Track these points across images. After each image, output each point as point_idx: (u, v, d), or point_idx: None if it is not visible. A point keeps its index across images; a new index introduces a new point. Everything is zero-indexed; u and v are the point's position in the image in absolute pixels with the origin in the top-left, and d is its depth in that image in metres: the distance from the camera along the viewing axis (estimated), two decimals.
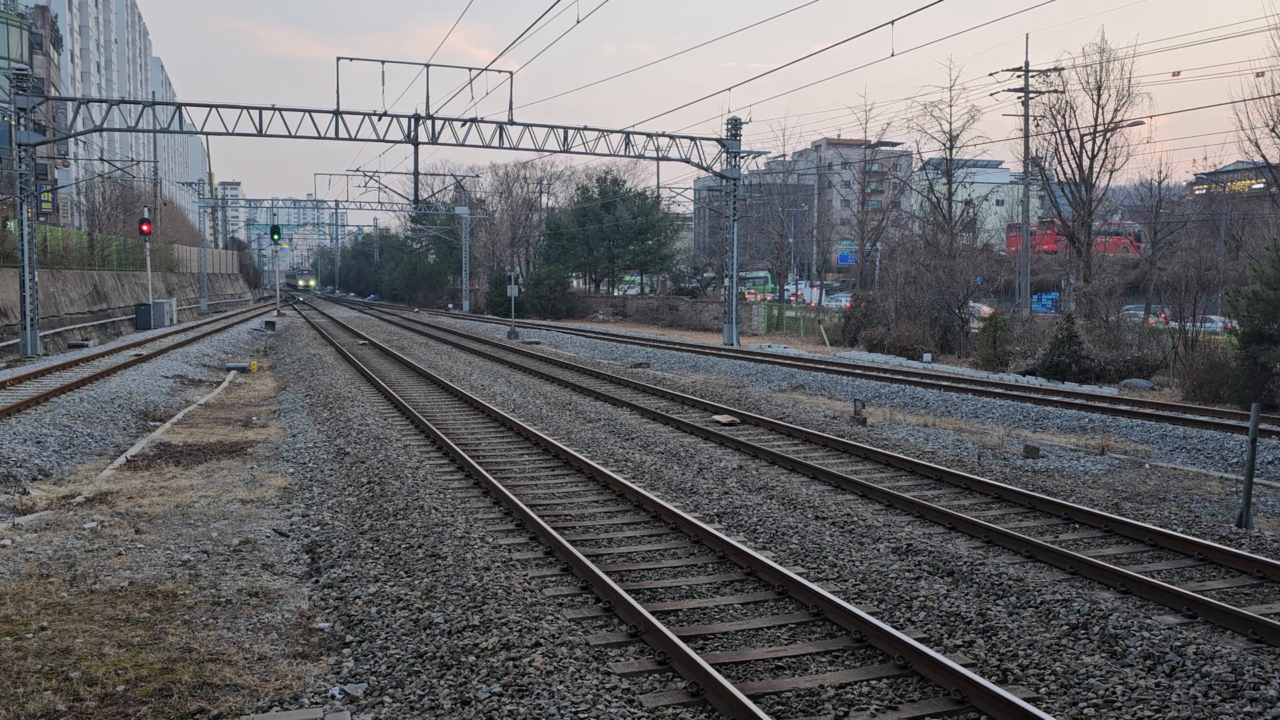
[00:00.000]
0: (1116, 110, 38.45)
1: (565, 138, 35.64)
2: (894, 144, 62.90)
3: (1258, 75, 49.93)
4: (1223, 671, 6.20)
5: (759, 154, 44.44)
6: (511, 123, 34.39)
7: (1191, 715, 5.75)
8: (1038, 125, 40.74)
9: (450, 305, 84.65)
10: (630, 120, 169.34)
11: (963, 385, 22.57)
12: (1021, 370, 28.30)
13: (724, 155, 38.16)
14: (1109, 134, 38.72)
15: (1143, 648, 6.65)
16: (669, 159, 37.55)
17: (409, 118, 33.77)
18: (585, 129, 35.65)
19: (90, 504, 10.78)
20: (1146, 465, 14.08)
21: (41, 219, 43.51)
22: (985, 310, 38.48)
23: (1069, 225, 41.20)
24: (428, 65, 32.24)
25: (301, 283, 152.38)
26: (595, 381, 23.21)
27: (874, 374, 24.87)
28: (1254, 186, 57.62)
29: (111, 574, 8.21)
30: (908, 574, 8.34)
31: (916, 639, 6.84)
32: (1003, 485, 11.32)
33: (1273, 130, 34.00)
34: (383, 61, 32.60)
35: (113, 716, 5.61)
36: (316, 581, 8.28)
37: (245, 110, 32.30)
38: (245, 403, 20.05)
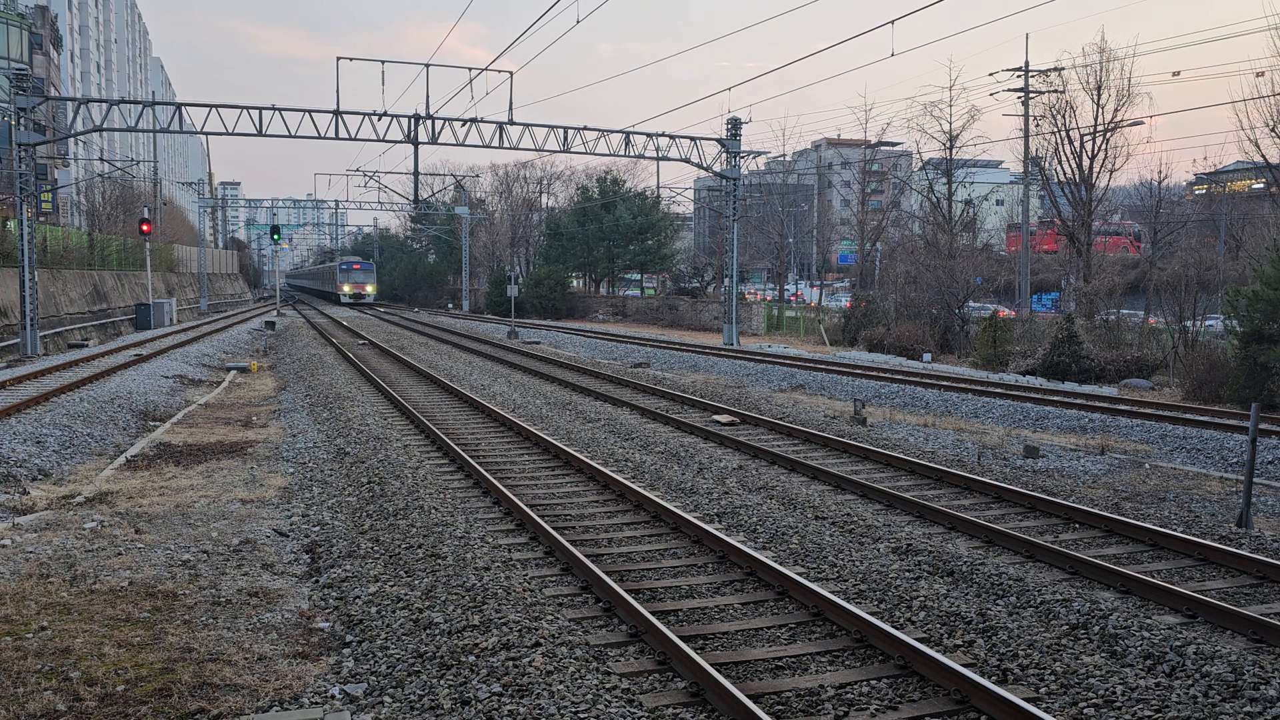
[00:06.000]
0: (1116, 110, 38.45)
1: (565, 138, 35.65)
2: (894, 144, 62.93)
3: (1258, 75, 50.00)
4: (1223, 671, 6.20)
5: (759, 154, 44.43)
6: (511, 123, 34.39)
7: (1191, 715, 5.75)
8: (1038, 125, 40.76)
9: (450, 305, 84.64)
10: (630, 120, 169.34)
11: (963, 385, 22.56)
12: (1021, 370, 28.30)
13: (724, 155, 38.15)
14: (1109, 134, 38.71)
15: (1143, 648, 6.65)
16: (669, 159, 37.56)
17: (409, 118, 33.78)
18: (585, 129, 35.66)
19: (90, 504, 10.78)
20: (1146, 465, 14.08)
21: (41, 219, 43.52)
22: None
23: (1069, 225, 41.19)
24: (427, 65, 32.25)
25: (349, 288, 78.65)
26: (595, 381, 23.21)
27: (874, 374, 24.87)
28: (1254, 186, 57.62)
29: (111, 574, 8.21)
30: (908, 574, 8.34)
31: (916, 639, 6.84)
32: (1003, 485, 11.32)
33: (1273, 130, 34.02)
34: (383, 61, 32.62)
35: (113, 716, 5.61)
36: (316, 581, 8.28)
37: (245, 110, 32.31)
38: (245, 403, 20.05)
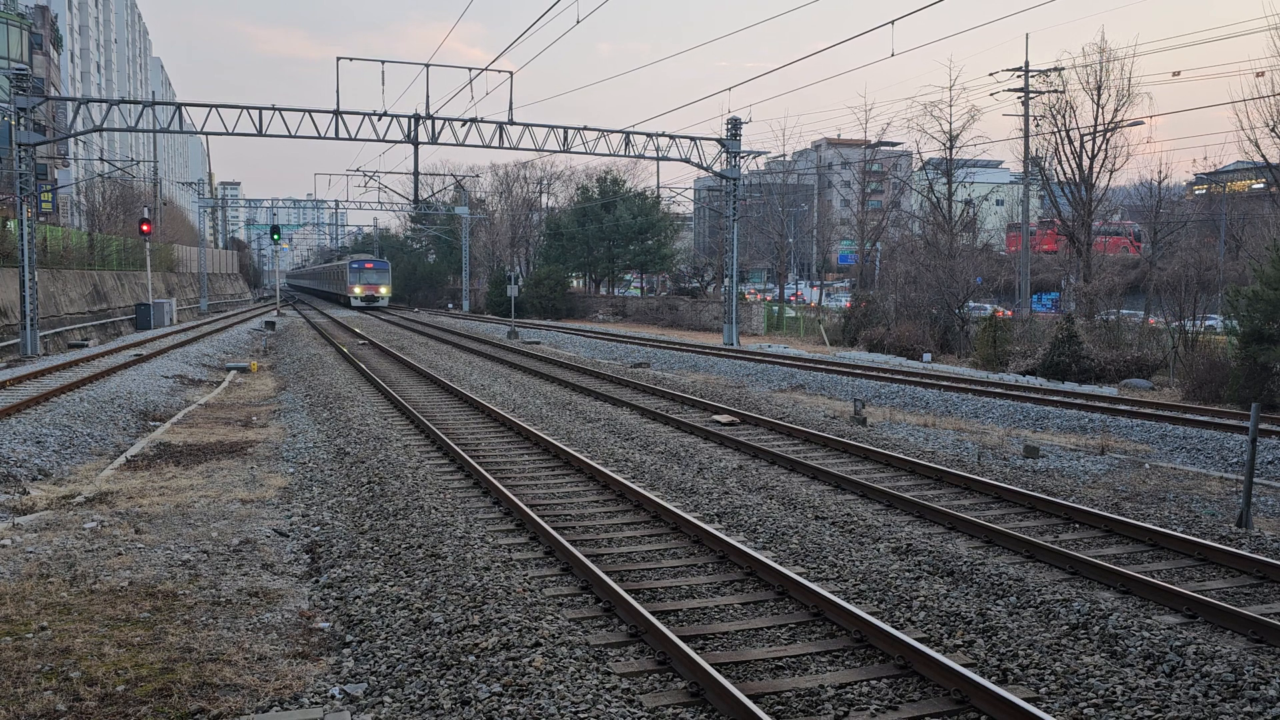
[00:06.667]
0: (1116, 110, 38.45)
1: (565, 138, 35.65)
2: (894, 144, 62.92)
3: (1258, 75, 50.02)
4: (1223, 671, 6.20)
5: (759, 154, 44.43)
6: (511, 123, 34.39)
7: (1191, 715, 5.75)
8: (1038, 125, 40.77)
9: (450, 305, 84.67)
10: (630, 120, 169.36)
11: (963, 385, 22.56)
12: (1021, 370, 28.30)
13: (724, 155, 38.15)
14: (1109, 134, 38.70)
15: (1143, 648, 6.65)
16: (669, 159, 37.56)
17: (409, 118, 33.78)
18: (585, 129, 35.66)
19: (90, 504, 10.78)
20: (1146, 465, 14.08)
21: (41, 219, 43.51)
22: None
23: (1069, 225, 41.19)
24: (427, 65, 32.26)
25: (361, 289, 71.92)
26: (595, 381, 23.21)
27: (874, 374, 24.87)
28: (1254, 186, 57.65)
29: (111, 574, 8.21)
30: (908, 574, 8.34)
31: (916, 639, 6.84)
32: (1003, 485, 11.32)
33: (1273, 130, 34.01)
34: (383, 61, 32.63)
35: (113, 716, 5.61)
36: (316, 581, 8.28)
37: (245, 110, 32.31)
38: (245, 403, 20.05)
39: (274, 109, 32.46)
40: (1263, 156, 35.19)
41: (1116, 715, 5.78)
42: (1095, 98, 38.70)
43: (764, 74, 37.47)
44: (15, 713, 5.60)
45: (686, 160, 37.80)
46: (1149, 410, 18.60)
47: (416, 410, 17.51)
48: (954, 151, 46.49)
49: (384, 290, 72.78)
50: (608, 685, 6.06)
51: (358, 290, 71.57)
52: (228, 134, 32.12)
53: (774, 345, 39.30)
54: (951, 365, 31.18)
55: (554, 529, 9.44)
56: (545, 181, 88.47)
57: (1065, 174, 40.51)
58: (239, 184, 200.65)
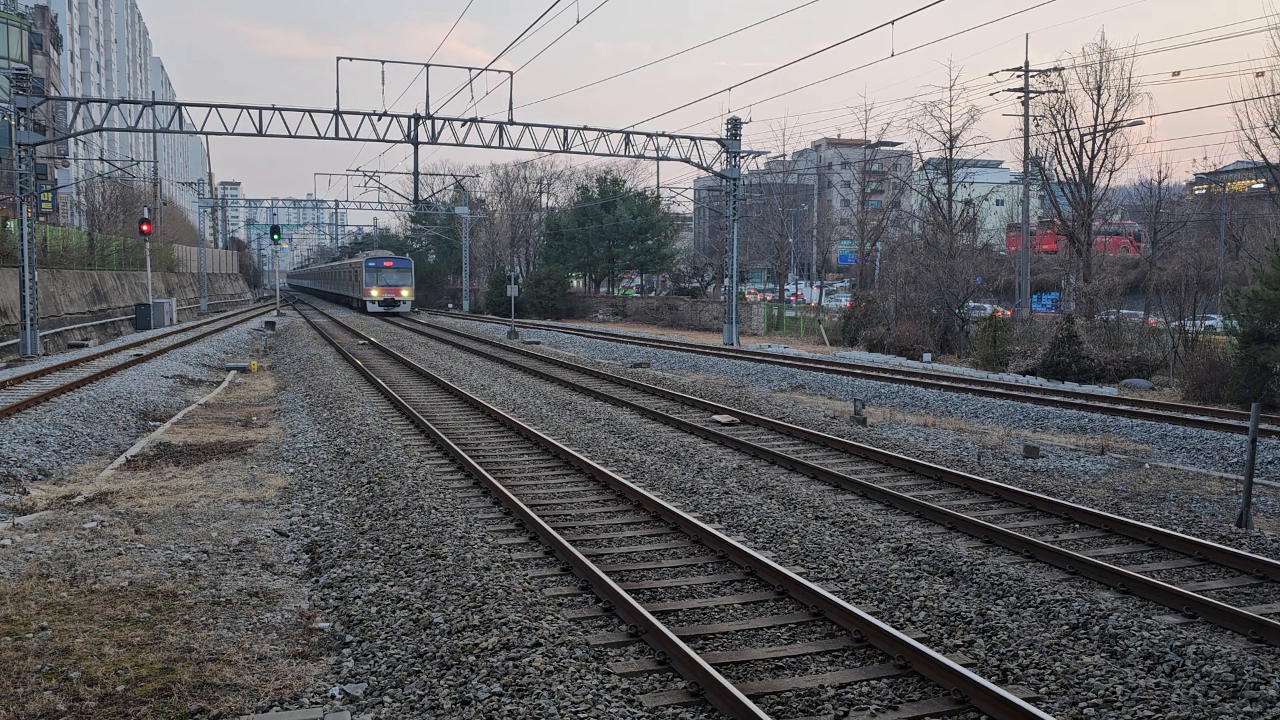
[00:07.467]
0: (1116, 110, 38.45)
1: (565, 138, 35.65)
2: (894, 144, 62.92)
3: (1258, 75, 50.04)
4: (1223, 671, 6.20)
5: (759, 154, 44.44)
6: (511, 123, 34.39)
7: (1191, 715, 5.75)
8: (1038, 125, 40.77)
9: (450, 305, 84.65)
10: (629, 120, 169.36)
11: (963, 385, 22.56)
12: (1021, 370, 28.30)
13: (724, 155, 38.15)
14: (1109, 134, 38.71)
15: (1143, 647, 6.65)
16: (669, 159, 37.56)
17: (409, 118, 33.79)
18: (585, 129, 35.66)
19: (90, 504, 10.77)
20: (1146, 465, 14.08)
21: (41, 219, 43.51)
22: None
23: (1069, 225, 41.20)
24: (427, 65, 32.26)
25: (379, 292, 62.35)
26: (595, 381, 23.21)
27: (874, 374, 24.87)
28: (1254, 186, 57.66)
29: (111, 574, 8.21)
30: (908, 574, 8.34)
31: (916, 639, 6.84)
32: (1003, 485, 11.32)
33: (1273, 130, 34.03)
34: (383, 61, 32.63)
35: (113, 716, 5.61)
36: (316, 581, 8.28)
37: (245, 110, 32.31)
38: (245, 402, 20.05)
39: (274, 109, 32.46)
40: (1263, 156, 35.23)
41: (1116, 715, 5.78)
42: (1095, 98, 38.73)
43: (764, 74, 37.50)
44: (15, 713, 5.60)
45: (686, 160, 37.81)
46: (1149, 410, 18.60)
47: (416, 410, 17.51)
48: (954, 151, 46.52)
49: (405, 293, 63.19)
50: (608, 685, 6.06)
51: (375, 293, 62.21)
52: (228, 134, 32.13)
53: (774, 345, 39.30)
54: (951, 365, 31.17)
55: (554, 529, 9.44)
56: (545, 181, 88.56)
57: (1065, 174, 40.53)
58: (239, 184, 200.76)
